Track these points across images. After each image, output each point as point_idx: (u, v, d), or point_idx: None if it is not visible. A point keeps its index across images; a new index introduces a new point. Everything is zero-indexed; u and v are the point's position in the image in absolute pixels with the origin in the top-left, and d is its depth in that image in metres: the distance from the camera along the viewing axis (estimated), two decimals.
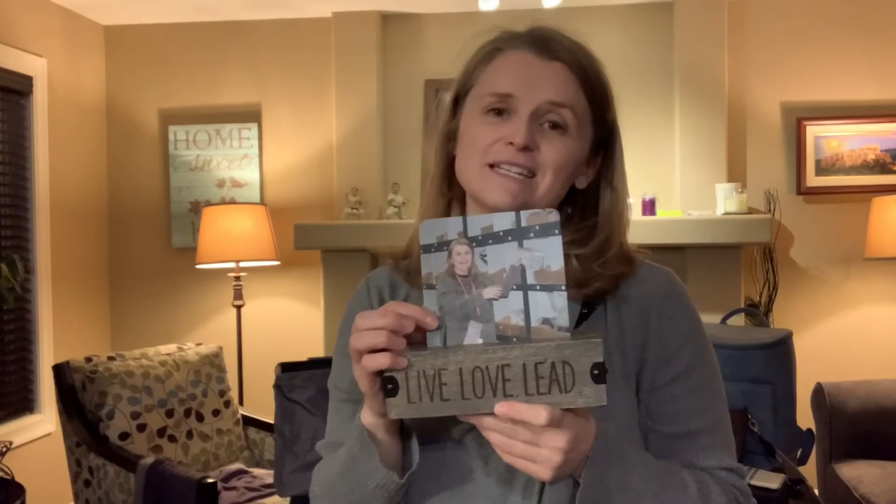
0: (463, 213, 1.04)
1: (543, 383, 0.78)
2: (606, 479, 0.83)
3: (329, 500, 1.00)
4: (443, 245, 0.83)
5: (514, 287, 0.82)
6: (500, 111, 0.97)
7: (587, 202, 1.03)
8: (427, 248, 0.84)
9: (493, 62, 1.01)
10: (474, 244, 0.83)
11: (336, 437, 1.05)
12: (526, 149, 0.94)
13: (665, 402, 0.97)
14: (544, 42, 1.00)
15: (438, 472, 0.95)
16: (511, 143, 0.94)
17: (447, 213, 1.05)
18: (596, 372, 0.78)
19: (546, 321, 0.81)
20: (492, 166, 0.96)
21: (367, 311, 0.85)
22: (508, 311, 0.82)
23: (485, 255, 0.83)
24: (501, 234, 0.82)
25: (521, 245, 0.82)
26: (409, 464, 0.92)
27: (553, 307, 0.81)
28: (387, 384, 0.81)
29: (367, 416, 0.89)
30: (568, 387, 0.78)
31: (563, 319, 0.81)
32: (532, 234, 0.82)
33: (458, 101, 1.03)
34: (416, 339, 0.83)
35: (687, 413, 0.97)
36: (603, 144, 1.03)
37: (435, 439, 0.95)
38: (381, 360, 0.80)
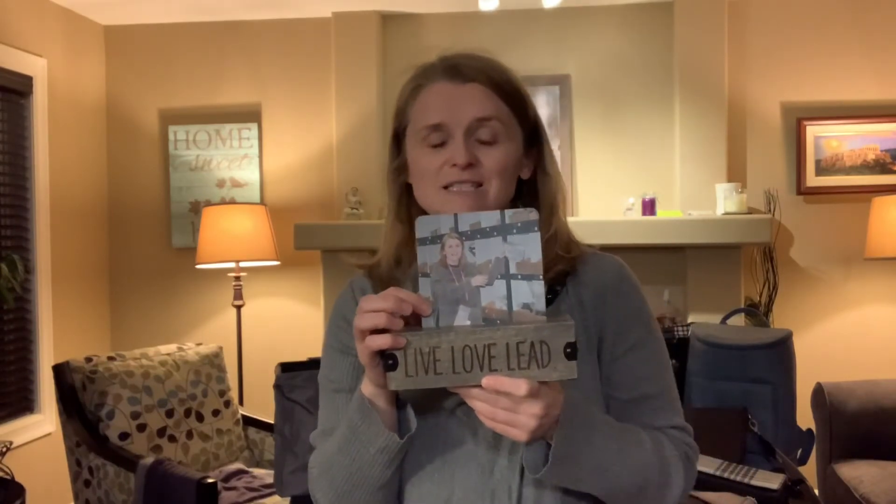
0: None
1: (524, 360, 0.90)
2: (575, 439, 0.96)
3: (327, 478, 1.08)
4: (436, 238, 0.94)
5: (499, 276, 0.93)
6: (438, 139, 1.09)
7: (531, 190, 1.17)
8: (423, 241, 0.94)
9: (419, 98, 1.12)
10: (464, 238, 0.94)
11: (329, 424, 1.13)
12: (469, 165, 1.07)
13: (622, 371, 1.10)
14: (455, 69, 1.11)
15: (432, 445, 1.07)
16: (455, 165, 1.07)
17: (409, 236, 1.14)
18: (568, 350, 0.89)
19: (526, 306, 0.93)
20: (446, 188, 1.09)
21: (370, 294, 0.96)
22: (493, 296, 0.94)
23: (473, 248, 0.94)
24: (488, 229, 0.94)
25: (504, 240, 0.93)
26: (407, 430, 1.02)
27: (532, 294, 0.93)
28: (387, 360, 0.92)
29: (368, 388, 0.99)
30: (544, 363, 0.90)
31: (541, 304, 0.92)
32: (514, 231, 0.93)
33: (399, 138, 1.16)
34: (412, 322, 0.95)
35: (640, 380, 1.11)
36: (533, 137, 1.16)
37: (427, 416, 1.06)
38: (383, 341, 0.91)
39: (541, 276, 0.92)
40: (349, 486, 1.06)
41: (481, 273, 0.93)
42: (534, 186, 1.16)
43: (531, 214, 0.93)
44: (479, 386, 0.90)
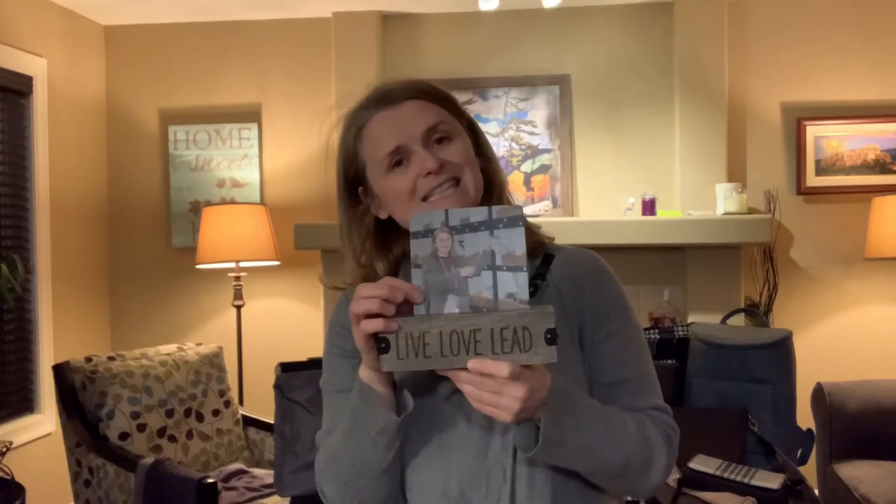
0: (406, 257, 1.20)
1: (507, 344, 0.96)
2: (562, 421, 1.02)
3: (333, 468, 1.14)
4: (428, 232, 1.00)
5: (486, 267, 0.99)
6: (400, 161, 1.16)
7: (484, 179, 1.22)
8: (415, 235, 1.01)
9: (365, 136, 1.19)
10: (454, 232, 1.00)
11: (333, 424, 1.17)
12: (440, 168, 1.13)
13: (602, 356, 1.17)
14: (386, 96, 1.18)
15: (429, 432, 1.13)
16: (429, 173, 1.13)
17: (371, 276, 1.20)
18: (549, 336, 0.95)
19: (510, 295, 0.99)
20: (425, 199, 1.14)
21: (366, 283, 1.01)
22: (480, 286, 0.99)
23: (462, 241, 1.00)
24: (476, 224, 1.00)
25: (491, 234, 1.00)
26: (405, 410, 1.07)
27: (516, 284, 0.99)
28: (380, 343, 0.98)
29: (365, 372, 1.06)
30: (526, 347, 0.96)
31: (524, 294, 0.99)
32: (501, 225, 0.99)
33: (352, 187, 1.23)
34: (405, 310, 1.01)
35: (620, 364, 1.17)
36: (471, 129, 1.23)
37: (424, 404, 1.12)
38: (376, 325, 0.97)
39: (524, 268, 0.98)
40: (354, 473, 1.11)
41: (469, 264, 1.00)
42: (485, 175, 1.22)
43: (516, 210, 0.99)
44: (466, 369, 0.96)
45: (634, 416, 1.13)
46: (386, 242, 1.23)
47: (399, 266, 1.23)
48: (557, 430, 1.01)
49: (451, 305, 0.99)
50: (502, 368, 0.94)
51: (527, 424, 1.02)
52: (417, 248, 1.01)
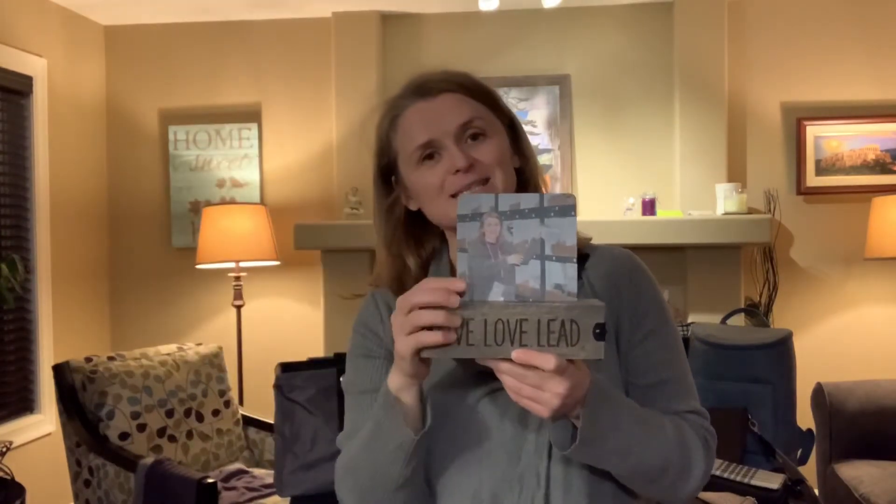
0: (444, 249, 1.21)
1: (553, 337, 0.93)
2: (601, 421, 0.99)
3: (352, 476, 1.11)
4: (476, 216, 0.97)
5: (534, 256, 0.96)
6: (431, 155, 1.14)
7: (520, 178, 1.20)
8: (463, 218, 0.97)
9: (399, 126, 1.17)
10: (503, 218, 0.97)
11: (356, 426, 1.14)
12: (470, 167, 1.11)
13: (639, 357, 1.15)
14: (423, 87, 1.17)
15: (459, 437, 1.10)
16: (457, 171, 1.11)
17: (403, 268, 1.19)
18: (598, 331, 0.92)
19: (558, 286, 0.96)
20: (454, 196, 1.11)
21: (415, 288, 0.96)
22: (527, 276, 0.96)
23: (511, 228, 0.97)
24: (527, 210, 0.97)
25: (542, 222, 0.96)
26: (423, 426, 1.04)
27: (564, 275, 0.96)
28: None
29: (395, 381, 1.02)
30: (573, 341, 0.93)
31: (573, 286, 0.96)
32: (552, 214, 0.96)
33: (386, 175, 1.20)
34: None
35: (658, 365, 1.15)
36: (511, 127, 1.21)
37: (454, 408, 1.10)
38: (435, 338, 0.93)
39: (574, 260, 0.96)
40: (371, 483, 1.08)
41: (517, 252, 0.96)
42: (521, 175, 1.20)
43: (569, 199, 0.96)
44: (509, 360, 0.93)
45: (672, 420, 1.10)
46: (417, 237, 1.21)
47: (429, 263, 1.21)
48: (595, 429, 0.99)
49: (497, 293, 0.96)
50: (548, 361, 0.91)
51: (563, 422, 1.00)
52: (464, 231, 0.97)
